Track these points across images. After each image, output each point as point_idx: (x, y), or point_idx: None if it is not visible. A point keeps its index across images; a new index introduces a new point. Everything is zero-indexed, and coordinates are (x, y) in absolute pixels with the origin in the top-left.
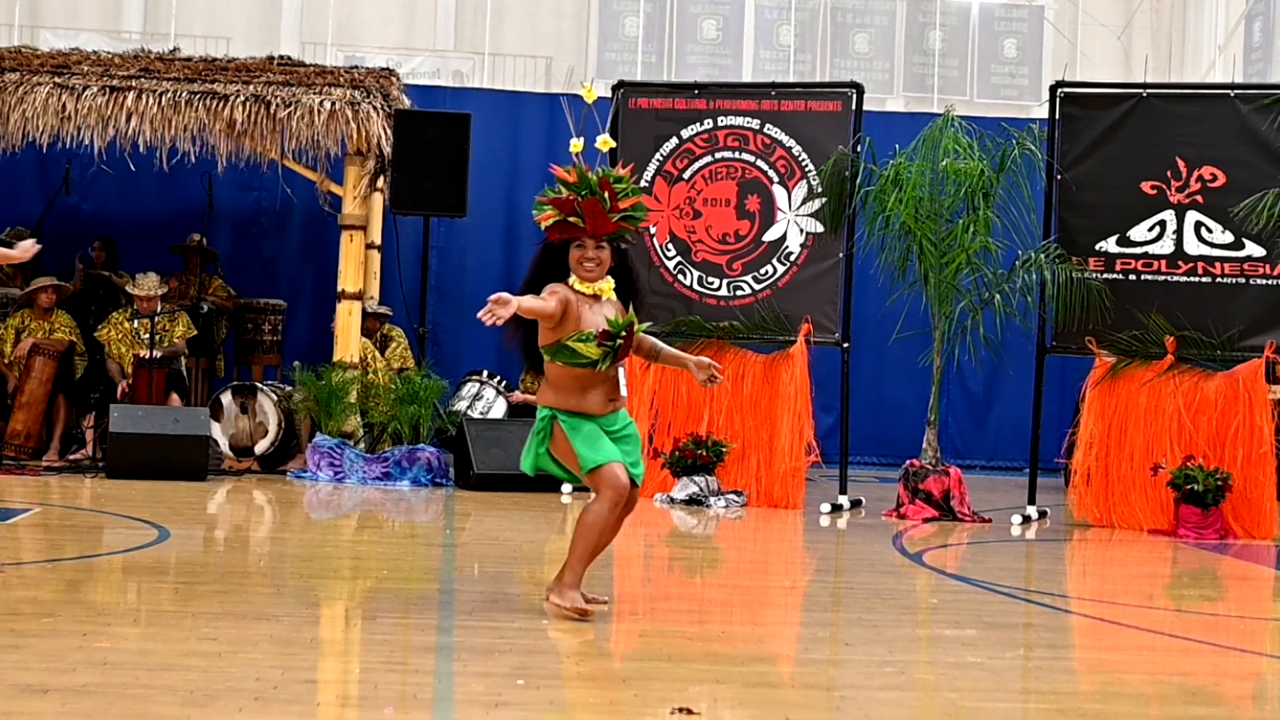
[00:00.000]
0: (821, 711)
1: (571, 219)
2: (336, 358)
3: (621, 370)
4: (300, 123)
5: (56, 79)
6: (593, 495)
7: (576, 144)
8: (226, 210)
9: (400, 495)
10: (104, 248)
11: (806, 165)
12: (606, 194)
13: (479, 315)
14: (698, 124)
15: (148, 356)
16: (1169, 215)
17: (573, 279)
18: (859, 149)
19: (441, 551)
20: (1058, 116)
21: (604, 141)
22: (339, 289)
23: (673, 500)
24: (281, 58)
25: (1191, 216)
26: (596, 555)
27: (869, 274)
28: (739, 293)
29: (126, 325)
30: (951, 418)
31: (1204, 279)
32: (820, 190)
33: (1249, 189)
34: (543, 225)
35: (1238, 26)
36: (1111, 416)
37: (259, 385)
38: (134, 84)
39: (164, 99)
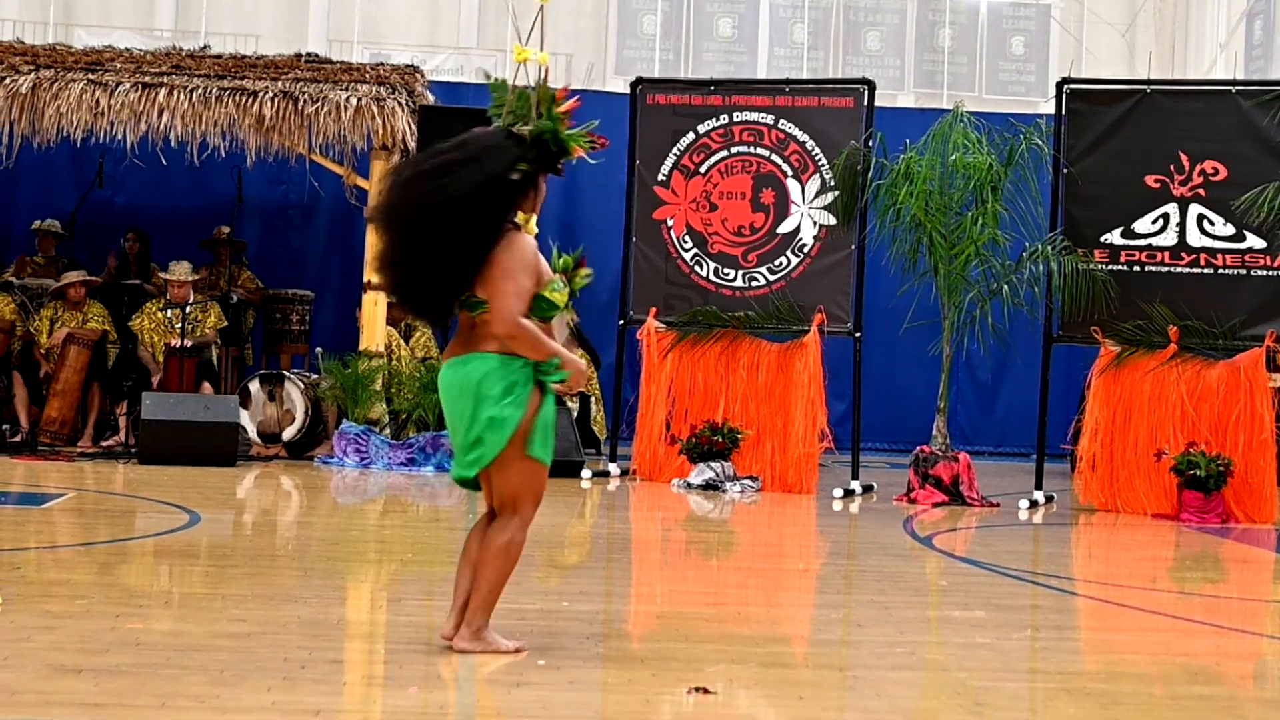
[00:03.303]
0: (834, 691)
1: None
2: (362, 347)
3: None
4: (327, 118)
5: (90, 75)
6: (512, 511)
7: (524, 51)
8: (255, 203)
9: (424, 480)
10: (138, 239)
11: (820, 159)
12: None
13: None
14: (714, 119)
15: (179, 346)
16: (1172, 208)
17: (524, 219)
18: (870, 144)
19: (464, 535)
20: (1064, 112)
21: (521, 52)
22: (365, 280)
23: (689, 485)
24: (309, 55)
25: (1194, 209)
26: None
27: (880, 265)
28: (754, 283)
29: (159, 315)
30: (960, 405)
31: (1206, 270)
32: (833, 184)
33: (1250, 182)
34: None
35: (1239, 24)
36: (1116, 404)
37: (286, 374)
38: (165, 80)
39: (195, 95)
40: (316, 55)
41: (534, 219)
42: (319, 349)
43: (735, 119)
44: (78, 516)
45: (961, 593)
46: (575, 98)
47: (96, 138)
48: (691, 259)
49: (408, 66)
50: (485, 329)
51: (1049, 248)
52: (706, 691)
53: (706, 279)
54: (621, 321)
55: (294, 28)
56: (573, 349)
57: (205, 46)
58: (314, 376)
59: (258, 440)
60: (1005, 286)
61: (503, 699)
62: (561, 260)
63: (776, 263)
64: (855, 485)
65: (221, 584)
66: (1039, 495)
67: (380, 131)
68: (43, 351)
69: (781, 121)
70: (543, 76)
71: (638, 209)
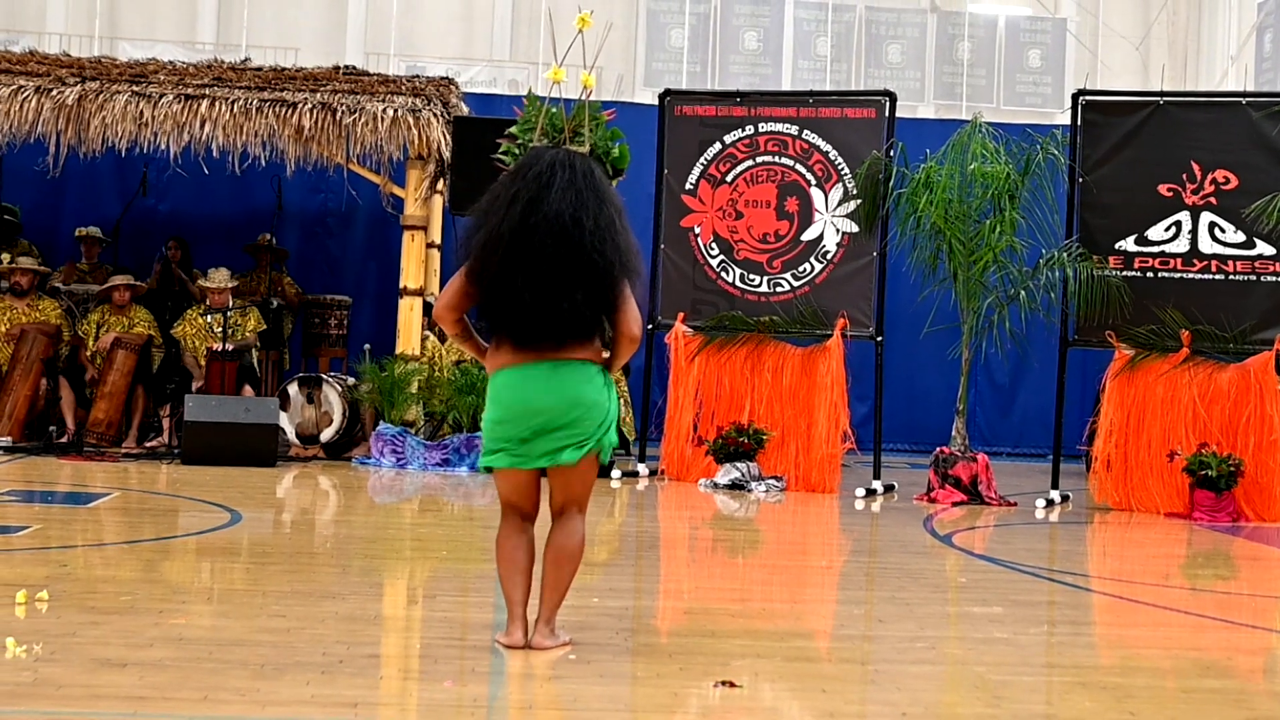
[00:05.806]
0: (856, 685)
1: None
2: (399, 351)
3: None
4: (364, 129)
5: (134, 87)
6: (579, 508)
7: (559, 72)
8: (295, 211)
9: (459, 480)
10: (179, 246)
11: (842, 169)
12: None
13: None
14: (740, 130)
15: (220, 349)
16: (1184, 216)
17: None
18: (892, 153)
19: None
20: (1079, 123)
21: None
22: (401, 285)
23: (716, 485)
24: (347, 67)
25: (1206, 217)
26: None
27: (901, 271)
28: (779, 289)
29: (200, 320)
30: (979, 407)
31: (1217, 276)
32: (855, 192)
33: (1260, 191)
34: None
35: (1249, 38)
36: (1130, 406)
37: (325, 376)
38: (208, 92)
39: (236, 106)
40: (354, 68)
41: None
42: (366, 345)
43: (760, 129)
44: (122, 515)
45: (980, 589)
46: (611, 109)
47: (140, 148)
48: (718, 265)
49: (443, 78)
50: (591, 339)
51: (1065, 254)
52: (732, 685)
53: (732, 285)
54: (650, 326)
55: (332, 41)
56: None
57: (246, 59)
58: (351, 380)
59: (297, 441)
60: (1022, 292)
61: (535, 692)
62: None
63: (800, 269)
64: (877, 485)
65: (262, 581)
66: (1055, 495)
67: (416, 142)
68: (89, 355)
69: (805, 132)
70: (587, 96)
71: (666, 217)
